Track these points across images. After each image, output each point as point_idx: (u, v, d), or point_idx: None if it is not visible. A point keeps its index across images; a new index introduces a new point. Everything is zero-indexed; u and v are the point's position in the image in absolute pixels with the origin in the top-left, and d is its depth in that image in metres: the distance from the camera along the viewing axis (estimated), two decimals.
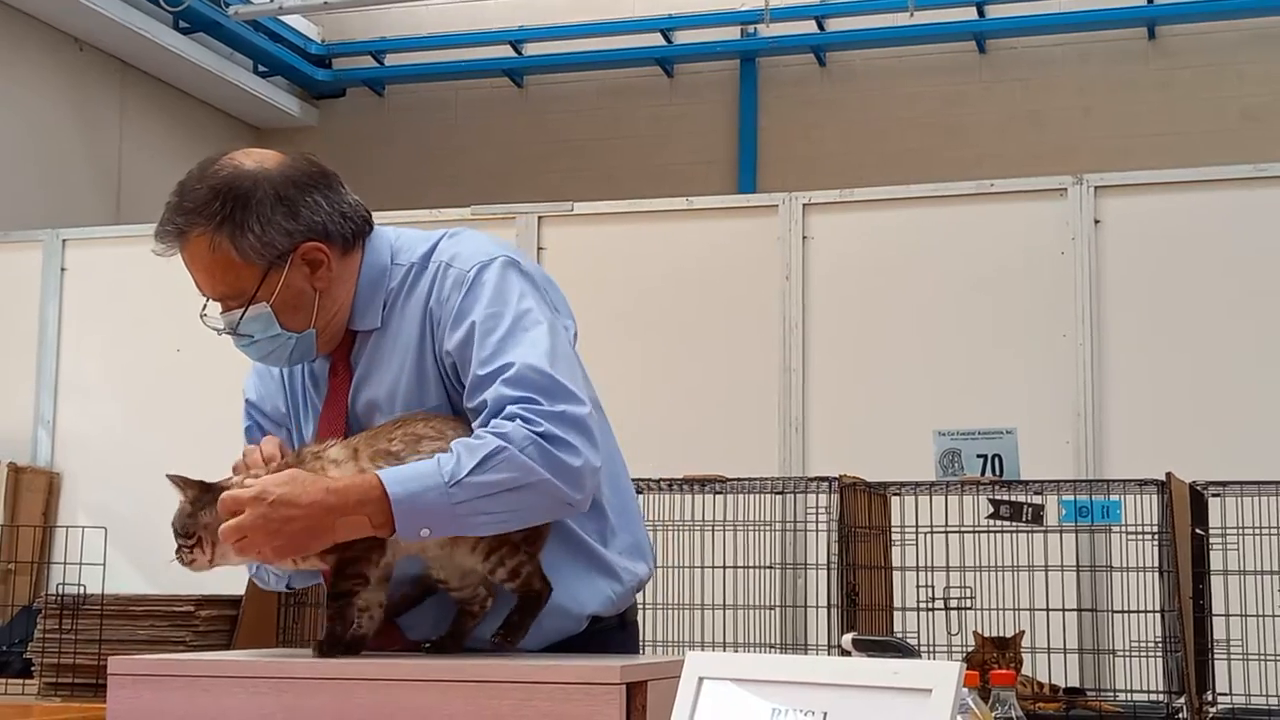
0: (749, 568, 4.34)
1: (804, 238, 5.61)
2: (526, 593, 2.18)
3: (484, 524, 2.09)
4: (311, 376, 2.36)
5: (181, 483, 2.10)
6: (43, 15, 8.24)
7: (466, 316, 2.19)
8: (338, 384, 2.30)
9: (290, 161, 2.25)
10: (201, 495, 2.08)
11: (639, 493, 4.26)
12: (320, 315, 2.24)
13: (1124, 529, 4.04)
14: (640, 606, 4.14)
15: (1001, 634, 3.93)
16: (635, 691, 1.89)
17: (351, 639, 2.13)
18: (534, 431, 2.08)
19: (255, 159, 2.23)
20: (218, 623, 4.20)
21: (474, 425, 2.15)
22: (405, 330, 2.25)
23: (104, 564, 4.11)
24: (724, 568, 4.29)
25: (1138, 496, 3.99)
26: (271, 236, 2.18)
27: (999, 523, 4.10)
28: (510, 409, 2.10)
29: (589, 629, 2.29)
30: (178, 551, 2.08)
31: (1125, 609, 3.98)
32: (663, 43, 9.45)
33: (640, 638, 2.55)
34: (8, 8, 8.07)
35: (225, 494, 2.04)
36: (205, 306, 2.26)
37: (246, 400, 2.45)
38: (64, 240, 6.43)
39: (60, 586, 4.12)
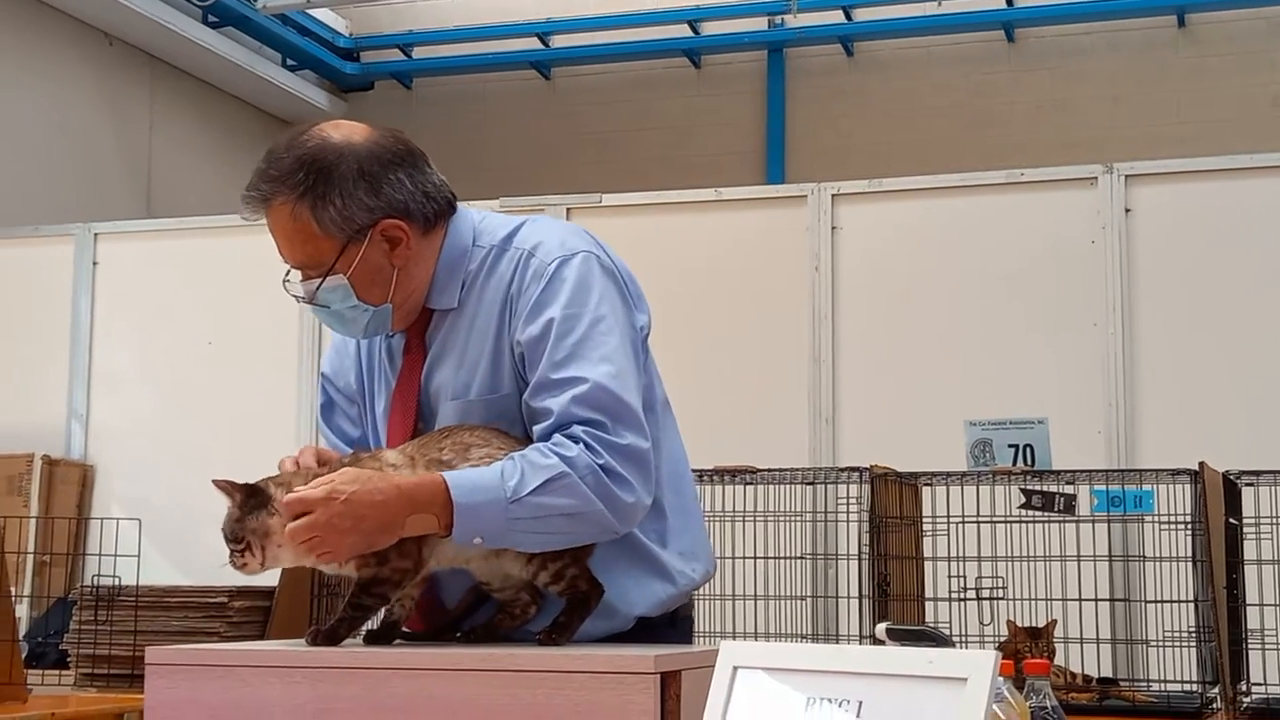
0: (780, 558, 4.34)
1: (833, 228, 5.60)
2: (573, 595, 2.17)
3: (532, 542, 2.12)
4: (388, 352, 2.36)
5: (228, 487, 2.08)
6: (72, 10, 8.28)
7: (543, 311, 2.18)
8: (411, 361, 2.30)
9: (378, 137, 2.24)
10: (248, 499, 2.07)
11: None
12: (398, 291, 2.24)
13: (1156, 519, 4.02)
14: None
15: (1033, 624, 3.92)
16: (669, 681, 1.89)
17: (384, 627, 2.14)
18: (596, 462, 2.10)
19: (344, 132, 2.23)
20: (251, 614, 4.22)
21: (534, 429, 2.16)
22: (483, 313, 2.25)
23: (138, 555, 4.13)
24: (755, 558, 4.29)
25: (1170, 486, 3.97)
26: (352, 211, 2.19)
27: (1030, 513, 4.08)
28: (577, 429, 2.11)
29: (637, 625, 2.28)
30: (230, 556, 2.08)
31: (1158, 599, 3.97)
32: (690, 34, 9.43)
33: (694, 634, 2.53)
34: (38, 3, 8.11)
35: (292, 496, 2.03)
36: (287, 274, 2.27)
37: (322, 375, 2.47)
38: (95, 234, 6.46)
39: (95, 578, 4.14)
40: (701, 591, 4.28)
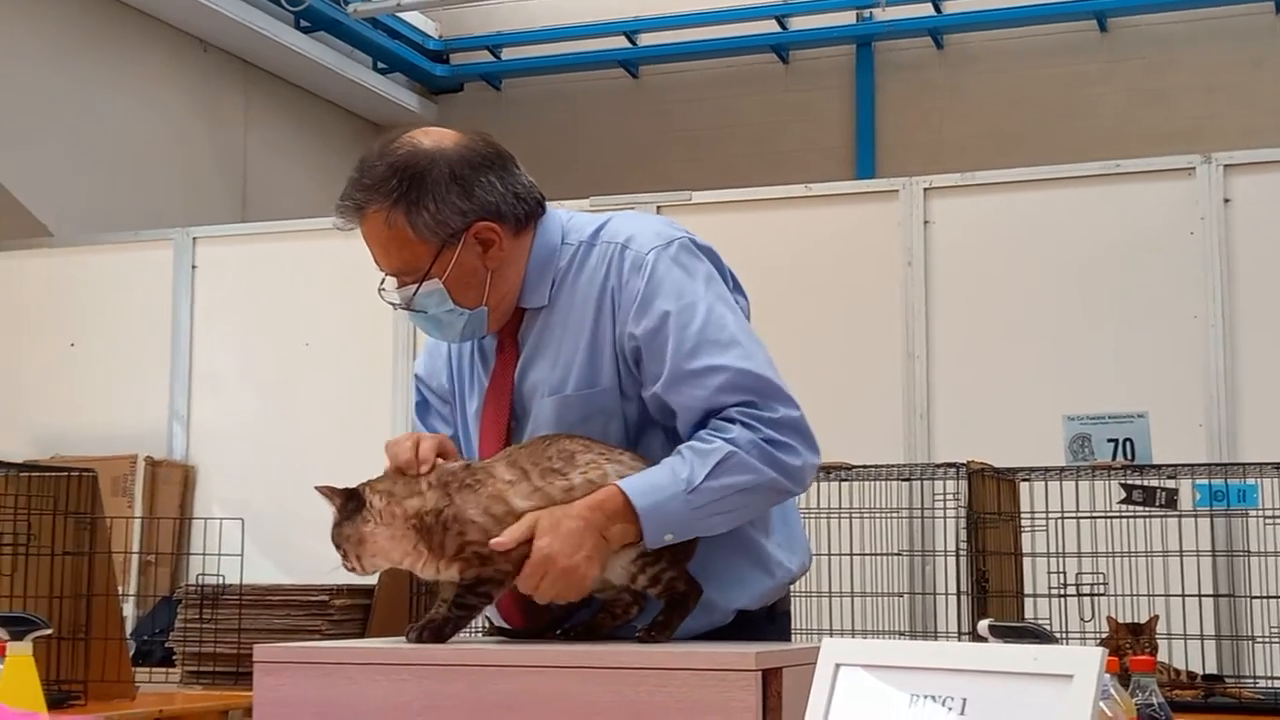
0: (876, 555, 4.32)
1: (925, 222, 5.56)
2: (672, 596, 2.18)
3: (718, 524, 2.17)
4: (480, 353, 2.38)
5: (328, 493, 2.11)
6: (168, 18, 8.41)
7: (653, 303, 2.20)
8: (504, 360, 2.32)
9: (467, 141, 2.27)
10: (346, 504, 2.09)
11: None
12: (492, 293, 2.26)
13: (1261, 513, 3.96)
14: None
15: (1135, 620, 3.88)
16: (771, 678, 1.90)
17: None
18: (757, 437, 2.14)
19: (434, 138, 2.26)
20: (351, 611, 4.27)
21: (680, 423, 2.19)
22: (576, 309, 2.26)
23: (241, 555, 4.19)
24: (851, 555, 4.28)
25: (1275, 480, 3.91)
26: (445, 215, 2.21)
27: (1131, 508, 4.04)
28: (731, 411, 2.16)
29: (736, 620, 2.28)
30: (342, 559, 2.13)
31: (1264, 594, 3.91)
32: (778, 29, 9.41)
33: (790, 629, 2.55)
34: (135, 11, 8.25)
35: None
36: (383, 282, 2.29)
37: (416, 375, 2.50)
38: (194, 238, 6.56)
39: (200, 577, 4.21)
40: (798, 588, 4.28)
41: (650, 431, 2.26)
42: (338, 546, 2.10)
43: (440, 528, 2.08)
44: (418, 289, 2.24)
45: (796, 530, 2.42)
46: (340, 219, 2.26)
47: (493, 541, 2.07)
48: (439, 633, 2.10)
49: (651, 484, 2.12)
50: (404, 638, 2.16)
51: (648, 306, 2.20)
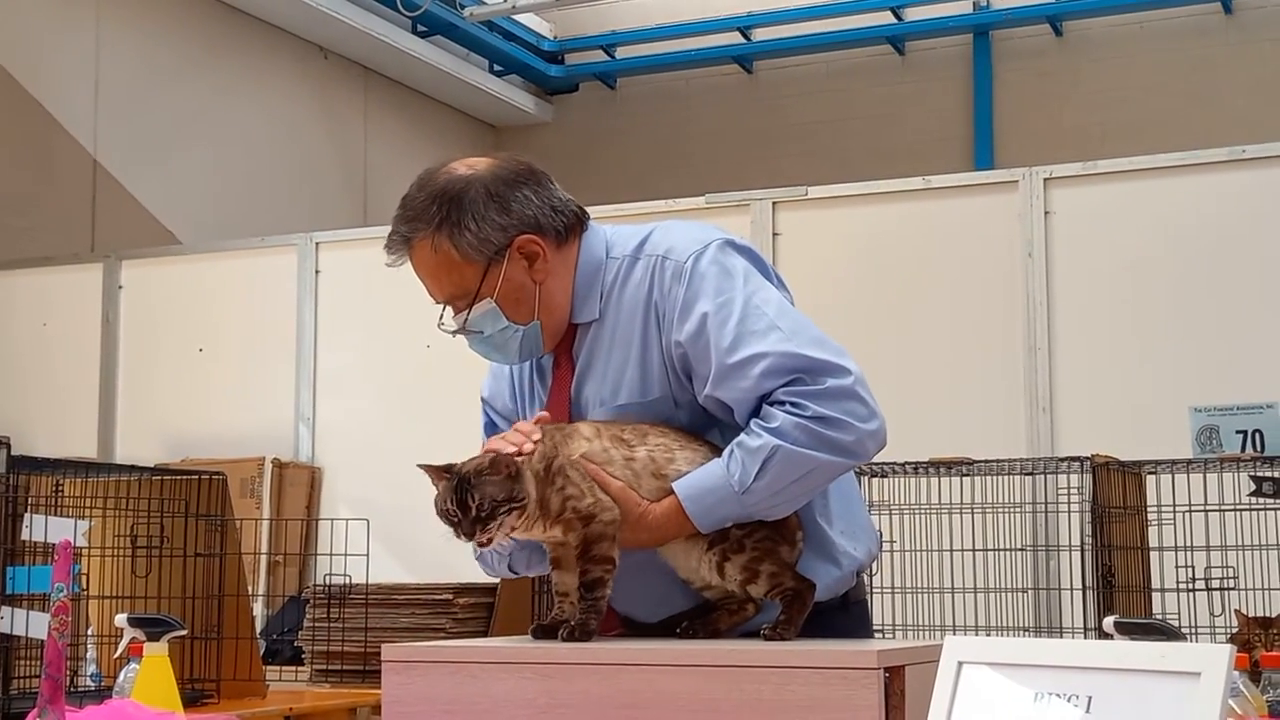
0: (999, 550, 4.28)
1: (1046, 213, 5.49)
2: (783, 594, 2.19)
3: (779, 511, 2.20)
4: (538, 371, 2.44)
5: (431, 471, 2.16)
6: (290, 26, 8.56)
7: (694, 307, 2.24)
8: (561, 376, 2.38)
9: (499, 162, 2.36)
10: (447, 480, 2.13)
11: (883, 476, 4.26)
12: (542, 308, 2.32)
13: None
14: (889, 590, 4.15)
15: (1266, 614, 3.80)
16: (893, 676, 1.89)
17: (552, 622, 2.18)
18: (804, 417, 2.15)
19: (467, 165, 2.36)
20: (475, 610, 4.31)
21: (739, 418, 2.22)
22: (623, 323, 2.31)
23: (367, 555, 4.25)
24: (973, 550, 4.24)
25: None
26: (487, 232, 2.28)
27: (1261, 500, 3.96)
28: (778, 394, 2.17)
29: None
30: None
31: None
32: (893, 21, 9.35)
33: (869, 619, 2.58)
34: (257, 21, 8.40)
35: None
36: (441, 314, 2.38)
37: (482, 399, 2.57)
38: (317, 243, 6.65)
39: (327, 577, 4.28)
40: (920, 584, 4.27)
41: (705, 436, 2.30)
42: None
43: (549, 480, 2.13)
44: (470, 310, 2.31)
45: (860, 517, 2.44)
46: (390, 257, 2.34)
47: (590, 468, 2.13)
48: (585, 628, 2.12)
49: (705, 487, 2.17)
50: (529, 635, 2.19)
51: (688, 312, 2.25)
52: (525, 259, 2.30)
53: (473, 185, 2.30)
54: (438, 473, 2.14)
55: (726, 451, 2.19)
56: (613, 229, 2.42)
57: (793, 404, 2.15)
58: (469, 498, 2.08)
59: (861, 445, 2.18)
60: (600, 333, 2.34)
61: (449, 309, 2.35)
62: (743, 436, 2.18)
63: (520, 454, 2.13)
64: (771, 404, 2.17)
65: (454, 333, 2.36)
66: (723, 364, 2.21)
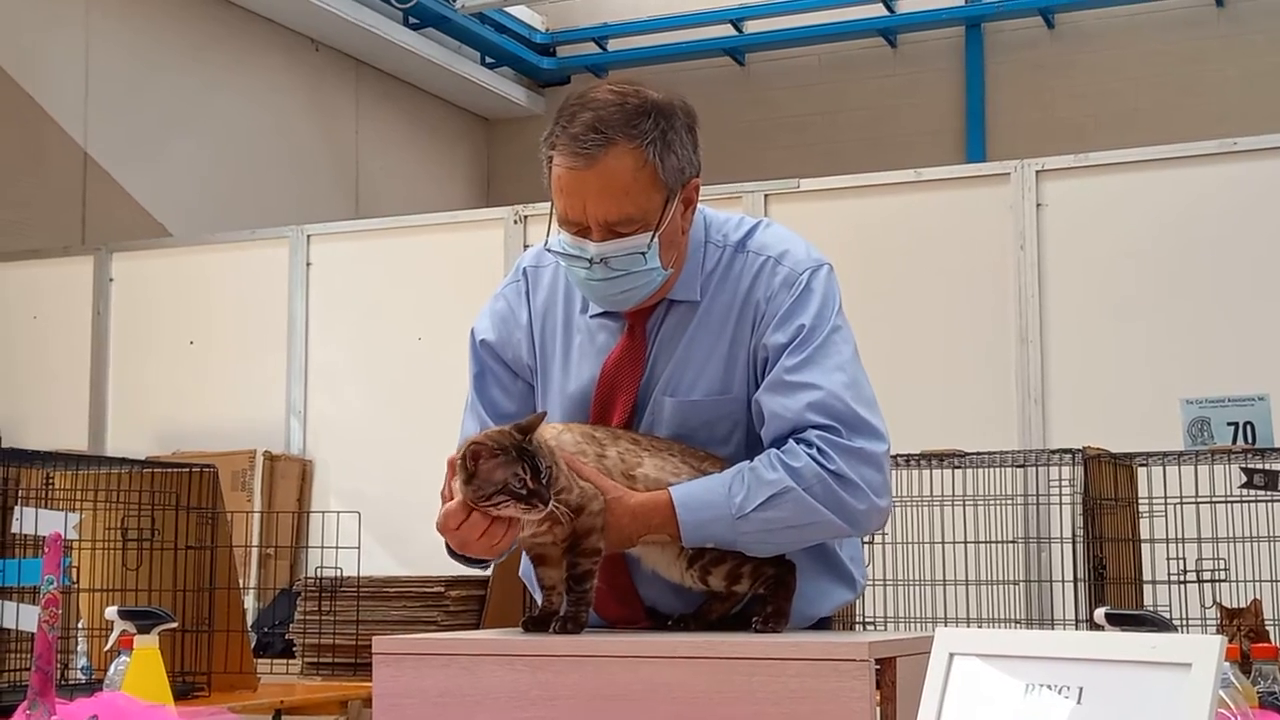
0: (990, 542, 4.28)
1: (1038, 205, 5.49)
2: (766, 582, 2.17)
3: (763, 549, 2.15)
4: (585, 330, 2.30)
5: (484, 451, 2.03)
6: (281, 18, 8.54)
7: (795, 318, 2.20)
8: (634, 347, 2.27)
9: (681, 97, 2.24)
10: (503, 455, 2.02)
11: None
12: (675, 262, 2.23)
13: None
14: (880, 583, 4.16)
15: (1258, 600, 3.81)
16: (885, 667, 1.89)
17: (542, 615, 2.15)
18: (826, 469, 2.11)
19: (654, 88, 2.22)
20: (467, 603, 4.31)
21: (765, 430, 2.18)
22: (716, 313, 2.25)
23: (359, 548, 4.24)
24: (964, 543, 4.24)
25: None
26: (683, 164, 2.17)
27: (1253, 492, 3.96)
28: (811, 434, 2.13)
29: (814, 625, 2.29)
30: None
31: None
32: (885, 13, 9.35)
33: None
34: (248, 13, 8.39)
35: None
36: (559, 234, 2.19)
37: (480, 342, 2.39)
38: (308, 235, 6.64)
39: (318, 570, 4.27)
40: (911, 576, 4.27)
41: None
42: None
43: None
44: (632, 239, 2.14)
45: (859, 545, 2.42)
46: (573, 159, 2.12)
47: (566, 455, 2.06)
48: (577, 620, 2.09)
49: (703, 500, 2.11)
50: (520, 629, 2.17)
51: (789, 320, 2.20)
52: (684, 204, 2.20)
53: (677, 113, 2.17)
54: (490, 452, 2.00)
55: (733, 471, 2.14)
56: (709, 211, 2.32)
57: (820, 450, 2.12)
58: (539, 464, 2.00)
59: (867, 517, 2.16)
60: (688, 317, 2.25)
61: (558, 234, 2.18)
62: (757, 464, 2.13)
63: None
64: (799, 443, 2.13)
65: (592, 261, 2.16)
66: (780, 378, 2.17)
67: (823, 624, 2.31)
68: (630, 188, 2.13)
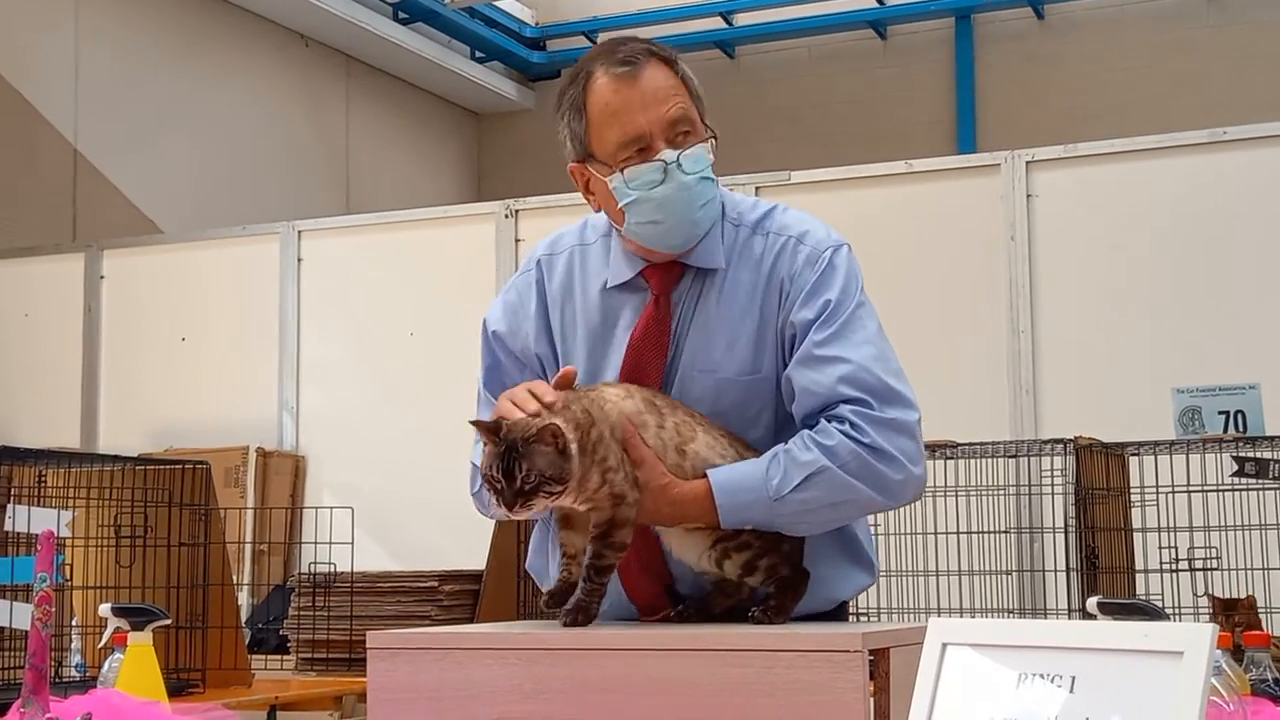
0: (983, 533, 4.29)
1: (1028, 196, 5.50)
2: (778, 582, 2.17)
3: (803, 529, 2.18)
4: (600, 311, 2.31)
5: (482, 430, 2.04)
6: (271, 14, 8.53)
7: (821, 293, 2.23)
8: (660, 318, 2.28)
9: None
10: (494, 443, 2.02)
11: None
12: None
13: None
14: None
15: (1251, 595, 3.82)
16: (878, 658, 1.90)
17: (561, 586, 2.13)
18: (861, 443, 2.13)
19: None
20: (461, 597, 4.31)
21: (796, 406, 2.20)
22: (742, 293, 2.27)
23: (352, 543, 4.24)
24: (957, 533, 4.25)
25: None
26: (703, 110, 2.29)
27: (1244, 481, 3.97)
28: (843, 409, 2.15)
29: (835, 610, 2.30)
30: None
31: None
32: (875, 4, 9.35)
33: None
34: (239, 9, 8.37)
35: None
36: (619, 176, 2.23)
37: (492, 333, 2.40)
38: (299, 231, 6.64)
39: (312, 565, 4.27)
40: (904, 567, 4.28)
41: (793, 425, 2.24)
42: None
43: (588, 452, 2.04)
44: (709, 141, 2.27)
45: (867, 529, 2.43)
46: (620, 68, 2.23)
47: (629, 427, 2.08)
48: (588, 612, 2.09)
49: (741, 484, 2.13)
50: (543, 605, 2.16)
51: (815, 296, 2.23)
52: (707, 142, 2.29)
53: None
54: (488, 433, 2.01)
55: (769, 455, 2.15)
56: (725, 191, 2.37)
57: (853, 424, 2.14)
58: (516, 467, 1.98)
59: (904, 487, 2.18)
60: (710, 292, 2.27)
61: (619, 176, 2.22)
62: (792, 446, 2.15)
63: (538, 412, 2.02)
64: (831, 420, 2.15)
65: (664, 170, 2.22)
66: (810, 352, 2.19)
67: (841, 609, 2.32)
68: (677, 89, 2.26)
